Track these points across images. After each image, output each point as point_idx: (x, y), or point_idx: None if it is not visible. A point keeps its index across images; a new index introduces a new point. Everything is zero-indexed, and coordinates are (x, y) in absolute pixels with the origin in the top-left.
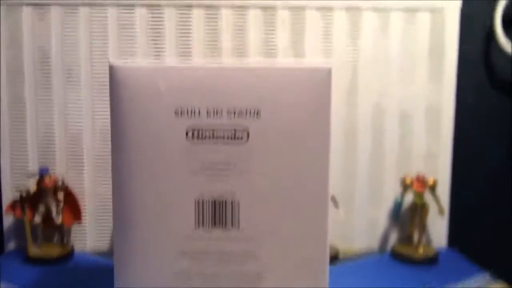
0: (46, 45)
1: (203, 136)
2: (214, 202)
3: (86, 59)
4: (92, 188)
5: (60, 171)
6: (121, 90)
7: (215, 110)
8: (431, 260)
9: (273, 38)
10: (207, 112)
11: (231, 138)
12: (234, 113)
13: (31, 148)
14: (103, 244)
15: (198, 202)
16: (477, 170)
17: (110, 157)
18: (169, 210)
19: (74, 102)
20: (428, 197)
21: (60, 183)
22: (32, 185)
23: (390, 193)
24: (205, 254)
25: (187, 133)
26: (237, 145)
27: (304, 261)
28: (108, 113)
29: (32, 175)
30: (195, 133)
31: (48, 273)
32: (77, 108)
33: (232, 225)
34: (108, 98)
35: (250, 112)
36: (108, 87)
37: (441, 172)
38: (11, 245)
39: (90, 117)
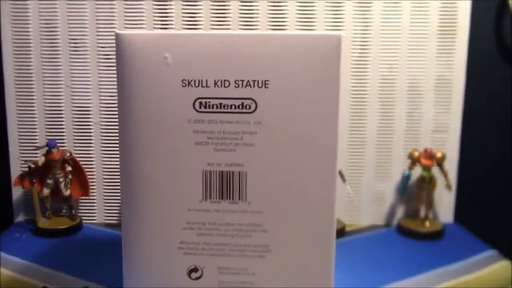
0: (52, 18)
1: (211, 106)
2: (222, 174)
3: (92, 32)
4: (100, 161)
5: (67, 144)
6: (127, 59)
7: (223, 80)
8: (437, 235)
9: (281, 9)
10: (215, 82)
11: (239, 108)
12: (242, 83)
13: (39, 121)
14: (111, 217)
15: (205, 174)
16: (486, 145)
17: (117, 130)
18: (176, 181)
19: (81, 75)
20: (436, 171)
21: (67, 156)
22: (40, 158)
23: (397, 167)
24: (212, 226)
25: (194, 104)
26: (245, 116)
27: (311, 234)
28: (115, 86)
29: (39, 148)
30: (202, 104)
31: (57, 244)
32: (84, 81)
33: (239, 197)
34: (114, 70)
35: (258, 82)
36: (114, 59)
37: (450, 146)
38: (20, 217)
39: (97, 90)
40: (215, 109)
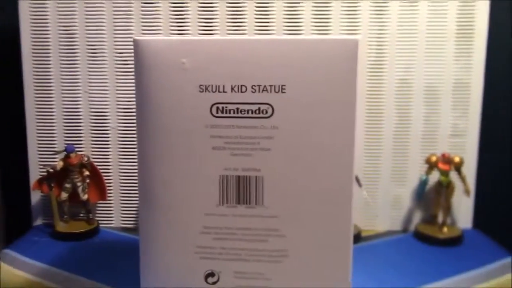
0: (70, 24)
1: (227, 111)
2: (238, 178)
3: (110, 38)
4: (117, 166)
5: (85, 149)
6: (145, 65)
7: (240, 86)
8: (455, 241)
9: (296, 13)
10: (231, 88)
11: (256, 113)
12: (259, 88)
13: (57, 126)
14: (128, 221)
15: (222, 179)
16: (505, 150)
17: (134, 134)
18: (193, 186)
19: (98, 80)
20: (454, 176)
21: (85, 161)
22: (58, 163)
23: (414, 172)
24: (228, 230)
25: (211, 109)
26: (262, 121)
27: (328, 239)
28: (132, 91)
29: (58, 152)
30: (219, 109)
31: (74, 248)
32: (101, 87)
33: (256, 202)
34: (131, 76)
35: (274, 87)
36: (131, 65)
37: (468, 151)
38: (38, 221)
39: (114, 95)
40: (232, 114)
